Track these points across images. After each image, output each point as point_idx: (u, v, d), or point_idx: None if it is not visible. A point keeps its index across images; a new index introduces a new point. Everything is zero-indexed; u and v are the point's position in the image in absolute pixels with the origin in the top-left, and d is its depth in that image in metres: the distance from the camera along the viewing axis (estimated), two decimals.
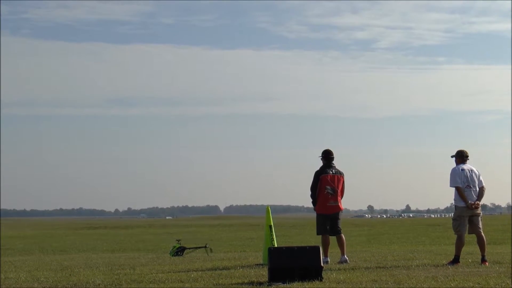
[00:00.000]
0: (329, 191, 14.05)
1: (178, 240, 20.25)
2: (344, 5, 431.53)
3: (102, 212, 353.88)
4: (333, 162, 14.28)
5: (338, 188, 14.16)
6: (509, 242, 25.76)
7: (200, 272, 11.82)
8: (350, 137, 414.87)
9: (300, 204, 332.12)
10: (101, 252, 26.52)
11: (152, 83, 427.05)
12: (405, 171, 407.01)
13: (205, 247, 19.94)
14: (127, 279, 10.89)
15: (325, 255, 13.72)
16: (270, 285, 9.44)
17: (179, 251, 19.14)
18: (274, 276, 9.87)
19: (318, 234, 14.24)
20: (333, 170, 14.18)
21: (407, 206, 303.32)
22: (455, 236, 13.28)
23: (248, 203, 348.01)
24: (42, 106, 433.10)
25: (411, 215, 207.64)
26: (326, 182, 14.06)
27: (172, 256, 18.67)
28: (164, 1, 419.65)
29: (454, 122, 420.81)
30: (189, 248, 19.89)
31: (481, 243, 13.09)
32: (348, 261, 13.77)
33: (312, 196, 14.18)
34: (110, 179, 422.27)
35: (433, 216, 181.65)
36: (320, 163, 14.34)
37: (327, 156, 14.27)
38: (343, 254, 14.03)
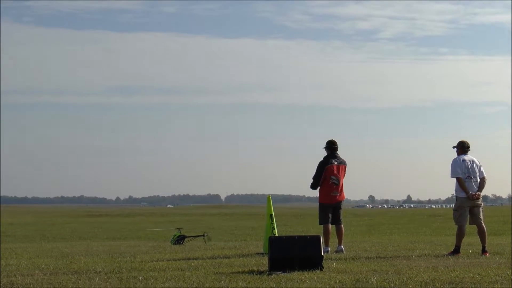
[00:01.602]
0: (334, 181, 14.08)
1: (179, 229, 20.29)
2: None
3: (103, 200, 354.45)
4: (337, 152, 14.30)
5: (341, 178, 14.20)
6: (509, 233, 25.78)
7: (200, 261, 11.83)
8: (351, 127, 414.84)
9: (301, 194, 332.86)
10: (102, 240, 26.57)
11: (154, 72, 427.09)
12: (407, 161, 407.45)
13: (204, 235, 19.98)
14: (127, 267, 10.90)
15: (326, 245, 13.73)
16: (271, 274, 9.44)
17: (179, 239, 19.19)
18: (275, 265, 9.87)
19: (320, 223, 14.26)
20: (338, 160, 14.20)
21: (408, 196, 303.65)
22: (455, 227, 13.28)
23: (249, 193, 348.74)
24: (44, 94, 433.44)
25: (412, 206, 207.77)
26: (332, 172, 14.08)
27: (172, 244, 18.71)
28: None
29: (456, 113, 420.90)
30: (189, 237, 19.93)
31: (481, 234, 13.08)
32: (343, 251, 13.80)
33: (314, 184, 14.18)
34: (112, 167, 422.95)
35: (434, 206, 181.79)
36: (322, 153, 14.36)
37: (331, 146, 14.28)
38: (339, 244, 14.07)
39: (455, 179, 13.13)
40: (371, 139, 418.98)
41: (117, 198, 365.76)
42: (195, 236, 20.46)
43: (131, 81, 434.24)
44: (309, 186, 14.33)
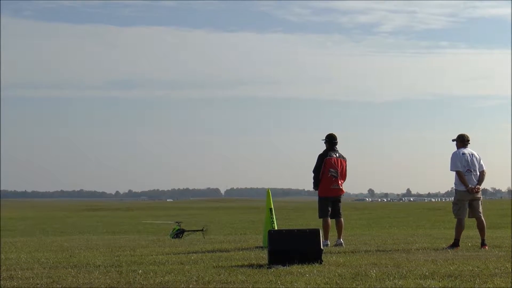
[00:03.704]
0: (333, 173, 14.10)
1: (178, 223, 20.30)
2: None
3: (103, 194, 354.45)
4: (336, 146, 14.32)
5: (343, 172, 14.22)
6: (508, 227, 25.79)
7: (200, 254, 11.84)
8: (351, 121, 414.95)
9: (300, 188, 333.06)
10: (102, 234, 26.58)
11: (153, 66, 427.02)
12: (406, 155, 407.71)
13: (202, 230, 19.99)
14: (127, 261, 10.90)
15: (325, 238, 13.74)
16: (270, 268, 9.44)
17: (178, 233, 19.20)
18: (274, 258, 9.87)
19: (320, 217, 14.25)
20: (337, 154, 14.23)
21: (408, 190, 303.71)
22: (455, 220, 13.27)
23: (248, 186, 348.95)
24: (43, 88, 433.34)
25: (411, 199, 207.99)
26: (330, 165, 14.10)
27: (172, 238, 18.73)
28: None
29: (455, 107, 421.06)
30: (188, 231, 19.95)
31: (481, 227, 13.09)
32: (343, 244, 13.80)
33: (315, 178, 14.20)
34: (111, 161, 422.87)
35: (433, 200, 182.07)
36: (322, 147, 14.37)
37: (331, 140, 14.29)
38: (339, 237, 14.07)
39: (454, 172, 13.13)
40: (371, 132, 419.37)
41: (117, 192, 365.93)
42: (194, 231, 20.47)
43: (130, 75, 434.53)
44: (312, 186, 14.35)
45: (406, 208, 60.47)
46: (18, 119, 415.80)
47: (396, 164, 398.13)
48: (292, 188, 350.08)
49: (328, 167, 14.10)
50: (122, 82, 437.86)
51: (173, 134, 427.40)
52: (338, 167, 14.16)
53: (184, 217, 44.40)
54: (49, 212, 72.23)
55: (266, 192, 13.81)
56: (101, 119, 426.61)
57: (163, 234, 23.16)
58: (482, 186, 13.18)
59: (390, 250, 12.33)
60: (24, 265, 10.70)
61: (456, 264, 9.65)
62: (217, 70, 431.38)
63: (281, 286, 7.77)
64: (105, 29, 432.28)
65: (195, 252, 12.44)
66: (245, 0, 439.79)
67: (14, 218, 51.57)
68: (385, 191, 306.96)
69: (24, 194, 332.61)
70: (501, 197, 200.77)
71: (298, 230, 10.34)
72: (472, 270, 8.95)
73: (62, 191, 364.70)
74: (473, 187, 12.99)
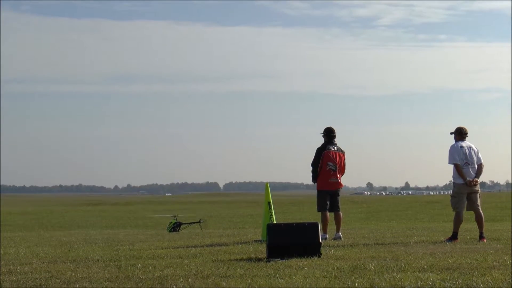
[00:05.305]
0: (331, 167, 14.10)
1: (175, 216, 20.34)
2: None
3: (101, 189, 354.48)
4: (335, 140, 14.31)
5: (342, 165, 14.21)
6: (507, 219, 25.81)
7: (199, 248, 11.85)
8: (350, 114, 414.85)
9: (299, 181, 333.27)
10: (100, 228, 26.58)
11: (152, 60, 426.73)
12: (405, 148, 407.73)
13: (199, 222, 20.02)
14: (126, 255, 10.91)
15: (324, 232, 13.76)
16: (269, 261, 9.45)
17: (175, 226, 19.21)
18: (273, 252, 9.89)
19: (319, 211, 14.26)
20: (335, 147, 14.23)
21: (406, 183, 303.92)
22: (453, 213, 13.29)
23: (247, 180, 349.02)
24: (42, 82, 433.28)
25: (410, 193, 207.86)
26: (329, 158, 14.10)
27: (169, 231, 18.74)
28: None
29: (454, 100, 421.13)
30: (185, 223, 19.97)
31: (479, 220, 13.10)
32: (341, 238, 13.81)
33: (313, 171, 14.20)
34: (110, 155, 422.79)
35: (432, 193, 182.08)
36: (321, 140, 14.37)
37: (329, 133, 14.29)
38: (337, 231, 14.08)
39: (453, 165, 13.14)
40: (370, 126, 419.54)
41: (116, 187, 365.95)
42: (191, 223, 20.48)
43: (129, 69, 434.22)
44: (311, 180, 14.36)
45: (405, 202, 60.49)
46: (17, 114, 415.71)
47: (395, 158, 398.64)
48: (291, 182, 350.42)
49: (327, 161, 14.10)
50: (120, 77, 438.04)
51: (172, 128, 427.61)
52: (336, 160, 14.16)
53: (182, 211, 44.40)
54: (48, 206, 72.24)
55: (264, 186, 13.83)
56: (100, 114, 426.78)
57: (161, 229, 23.16)
58: (480, 179, 13.20)
59: (388, 244, 12.34)
60: (23, 259, 10.71)
61: (454, 257, 9.66)
62: (215, 64, 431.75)
63: (280, 280, 7.77)
64: (103, 23, 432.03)
65: (194, 246, 12.45)
66: None
67: (13, 213, 51.55)
68: (383, 185, 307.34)
69: (23, 189, 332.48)
70: (499, 190, 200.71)
71: (296, 223, 10.35)
72: (471, 263, 8.96)
73: (61, 186, 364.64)
74: (471, 180, 13.00)
